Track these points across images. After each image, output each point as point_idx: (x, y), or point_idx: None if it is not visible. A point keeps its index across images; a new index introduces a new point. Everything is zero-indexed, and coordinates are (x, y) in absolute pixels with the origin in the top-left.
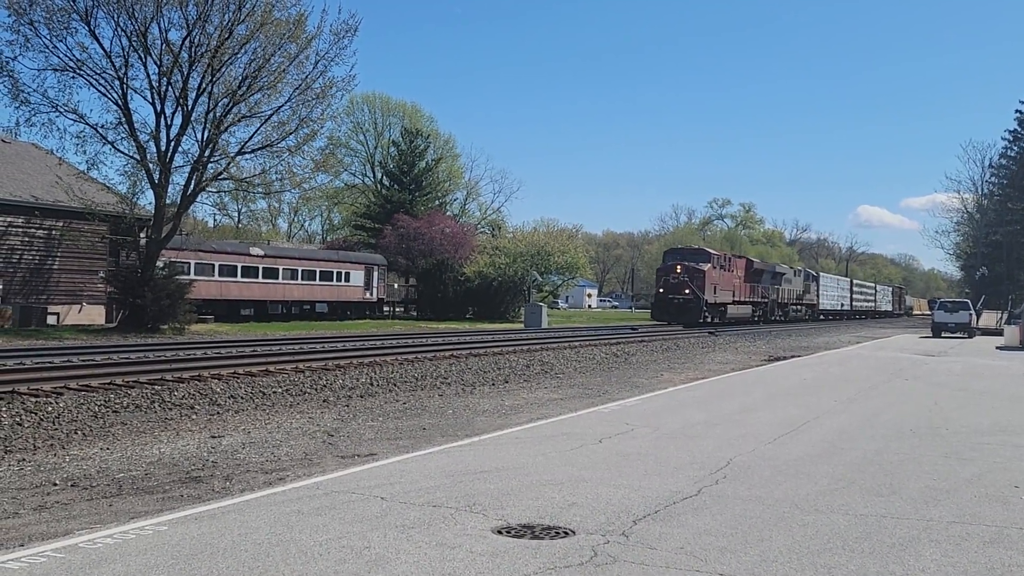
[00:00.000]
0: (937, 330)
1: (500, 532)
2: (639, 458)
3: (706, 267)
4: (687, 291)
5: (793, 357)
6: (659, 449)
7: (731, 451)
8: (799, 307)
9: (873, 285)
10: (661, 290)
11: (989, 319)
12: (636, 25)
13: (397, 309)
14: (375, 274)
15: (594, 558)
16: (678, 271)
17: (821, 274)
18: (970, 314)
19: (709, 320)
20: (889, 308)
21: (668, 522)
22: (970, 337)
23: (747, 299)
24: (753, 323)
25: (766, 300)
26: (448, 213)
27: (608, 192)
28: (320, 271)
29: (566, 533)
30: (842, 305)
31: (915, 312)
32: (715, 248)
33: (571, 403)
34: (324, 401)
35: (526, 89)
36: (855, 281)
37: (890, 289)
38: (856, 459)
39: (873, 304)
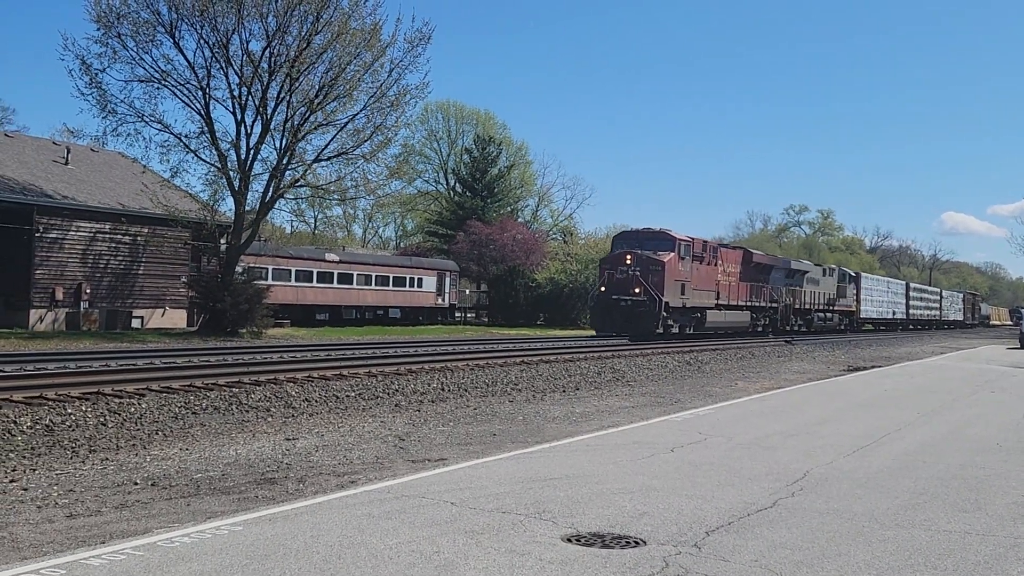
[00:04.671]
0: None
1: (570, 540)
2: (712, 468)
3: (667, 257)
4: (637, 290)
5: (874, 367)
6: (733, 459)
7: (808, 463)
8: (828, 314)
9: (937, 290)
10: (603, 288)
11: None
12: (712, 32)
13: (468, 315)
14: (447, 280)
15: (665, 569)
16: (627, 262)
17: (863, 275)
18: None
19: (675, 331)
20: (959, 317)
21: (742, 534)
22: None
23: (743, 303)
24: (757, 334)
25: (775, 304)
26: (520, 219)
27: (682, 198)
28: (393, 277)
29: (637, 543)
30: (894, 313)
31: (993, 322)
32: (679, 235)
33: (642, 411)
34: (396, 406)
35: (600, 95)
36: (912, 284)
37: (960, 295)
38: (939, 473)
39: (938, 312)
